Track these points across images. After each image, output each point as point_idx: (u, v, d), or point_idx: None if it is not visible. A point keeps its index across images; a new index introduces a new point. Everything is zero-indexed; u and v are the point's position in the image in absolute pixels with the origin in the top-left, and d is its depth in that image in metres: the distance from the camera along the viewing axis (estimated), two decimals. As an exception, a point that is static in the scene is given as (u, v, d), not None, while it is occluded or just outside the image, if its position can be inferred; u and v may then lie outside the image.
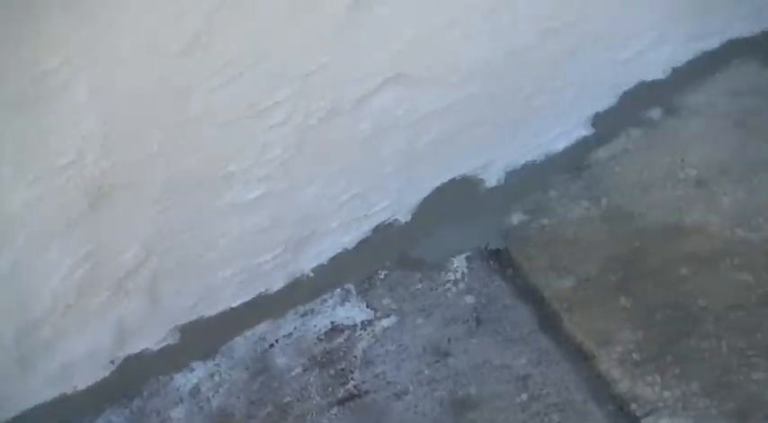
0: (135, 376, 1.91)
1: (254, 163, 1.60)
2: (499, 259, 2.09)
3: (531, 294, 2.04)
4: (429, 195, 2.03)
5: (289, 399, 1.98)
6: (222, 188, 1.62)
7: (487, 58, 1.78)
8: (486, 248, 2.09)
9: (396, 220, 2.01)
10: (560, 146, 2.18)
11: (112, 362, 1.85)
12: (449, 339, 1.98)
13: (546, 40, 1.86)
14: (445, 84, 1.73)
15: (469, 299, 2.03)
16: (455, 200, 2.08)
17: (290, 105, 1.53)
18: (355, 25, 1.49)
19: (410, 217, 2.03)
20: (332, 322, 2.00)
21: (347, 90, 1.59)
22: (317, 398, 1.96)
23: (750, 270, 2.05)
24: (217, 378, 1.99)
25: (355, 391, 1.93)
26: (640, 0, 1.99)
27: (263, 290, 1.95)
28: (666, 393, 1.86)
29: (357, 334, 1.99)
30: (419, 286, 2.05)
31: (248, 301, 1.95)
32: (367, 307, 2.02)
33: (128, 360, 1.87)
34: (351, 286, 2.04)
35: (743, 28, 2.38)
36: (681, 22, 2.18)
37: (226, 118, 1.49)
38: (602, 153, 2.24)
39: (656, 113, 2.30)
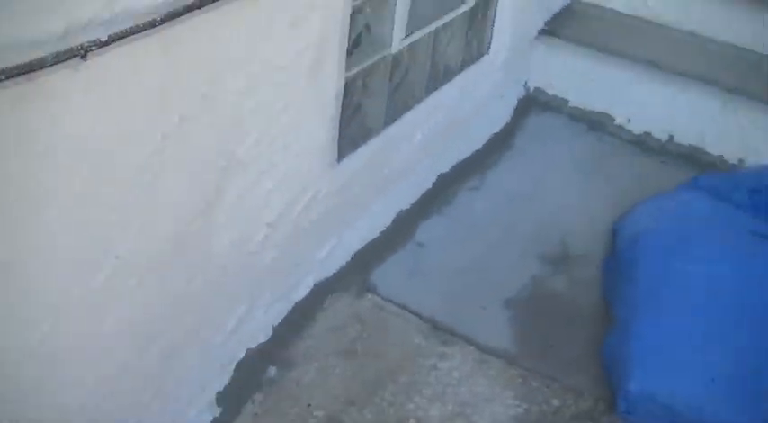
0: None
1: None
2: None
3: None
4: None
5: None
6: None
7: (97, 387, 2.05)
8: None
9: None
10: (193, 437, 2.47)
11: None
12: None
13: (143, 353, 2.15)
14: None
15: None
16: None
17: None
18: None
19: None
20: None
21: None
22: None
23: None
24: None
25: None
26: (221, 284, 2.35)
27: None
28: None
29: None
30: None
31: None
32: None
33: None
34: None
35: (322, 270, 2.85)
36: (266, 287, 2.57)
37: None
38: (235, 427, 2.56)
39: (272, 372, 2.67)
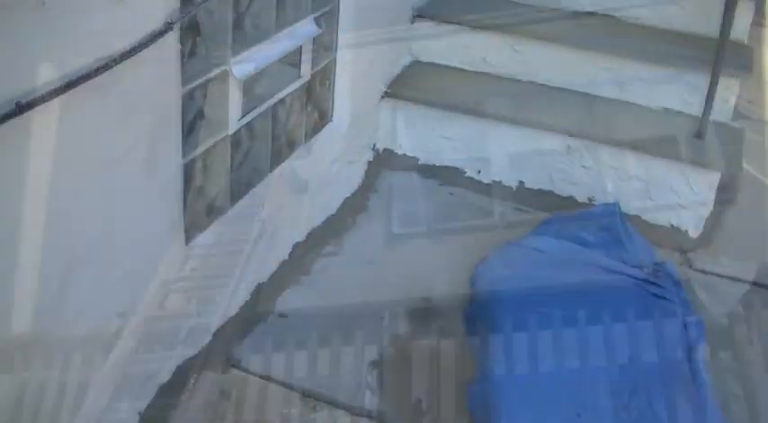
0: None
1: None
2: None
3: None
4: None
5: None
6: None
7: None
8: None
9: None
10: None
11: None
12: None
13: None
14: None
15: None
16: None
17: None
18: None
19: None
20: None
21: None
22: None
23: None
24: None
25: None
26: (80, 378, 2.42)
27: None
28: None
29: None
30: None
31: None
32: None
33: None
34: None
35: (185, 351, 2.93)
36: (128, 374, 2.63)
37: None
38: None
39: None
